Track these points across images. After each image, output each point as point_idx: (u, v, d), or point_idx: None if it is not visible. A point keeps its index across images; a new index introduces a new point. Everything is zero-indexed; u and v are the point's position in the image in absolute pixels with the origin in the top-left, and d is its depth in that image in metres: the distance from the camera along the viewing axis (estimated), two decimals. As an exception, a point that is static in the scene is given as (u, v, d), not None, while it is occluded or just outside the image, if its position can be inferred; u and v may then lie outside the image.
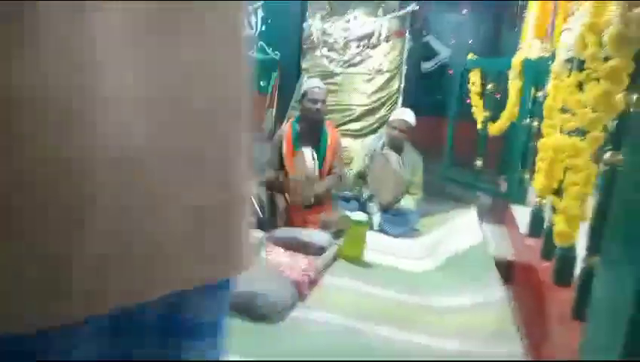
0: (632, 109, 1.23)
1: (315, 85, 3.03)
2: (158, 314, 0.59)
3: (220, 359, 0.70)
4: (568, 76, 1.92)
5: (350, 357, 1.62)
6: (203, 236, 0.57)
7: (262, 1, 5.98)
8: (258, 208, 2.47)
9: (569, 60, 2.04)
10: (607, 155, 1.45)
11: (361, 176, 3.21)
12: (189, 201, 0.53)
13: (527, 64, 3.01)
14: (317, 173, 2.89)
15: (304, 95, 3.02)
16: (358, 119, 5.09)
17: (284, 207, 2.85)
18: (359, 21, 5.04)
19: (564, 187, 1.72)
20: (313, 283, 2.08)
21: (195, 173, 0.54)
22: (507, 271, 2.33)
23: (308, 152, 2.85)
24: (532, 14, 3.31)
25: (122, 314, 0.52)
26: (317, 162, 2.91)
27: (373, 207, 3.15)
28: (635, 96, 1.18)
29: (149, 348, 0.61)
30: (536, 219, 2.34)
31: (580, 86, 1.74)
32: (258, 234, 2.61)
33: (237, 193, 0.60)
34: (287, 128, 3.07)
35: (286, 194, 2.94)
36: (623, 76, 1.26)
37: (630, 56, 1.24)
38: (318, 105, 2.94)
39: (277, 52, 6.03)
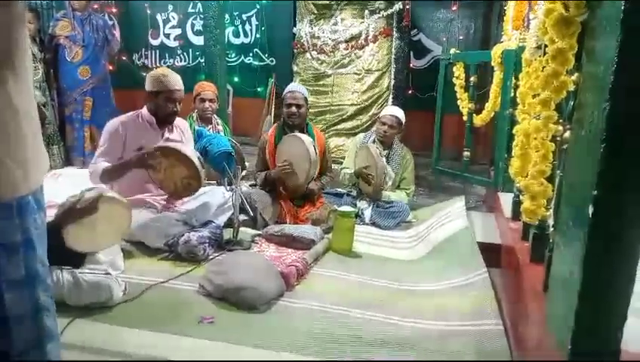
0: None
1: (289, 90, 3.06)
2: None
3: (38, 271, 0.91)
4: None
5: (338, 337, 1.70)
6: None
7: (255, 10, 6.09)
8: (249, 208, 2.54)
9: (539, 47, 2.11)
10: (566, 134, 1.52)
11: (357, 175, 3.27)
12: None
13: (506, 54, 3.08)
14: (316, 156, 2.84)
15: (283, 100, 3.08)
16: (350, 118, 5.20)
17: (276, 206, 2.91)
18: (346, 23, 5.16)
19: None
20: (302, 274, 2.15)
21: None
22: (491, 253, 2.39)
23: (301, 137, 2.85)
24: (511, 6, 3.38)
25: None
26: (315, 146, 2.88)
27: (365, 201, 3.22)
28: (575, 75, 1.25)
29: None
30: (517, 203, 2.41)
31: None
32: (250, 231, 2.70)
33: None
34: (270, 131, 3.13)
35: (280, 192, 3.00)
36: (568, 56, 1.34)
37: (573, 38, 1.32)
38: (293, 109, 2.98)
39: (272, 58, 6.14)
